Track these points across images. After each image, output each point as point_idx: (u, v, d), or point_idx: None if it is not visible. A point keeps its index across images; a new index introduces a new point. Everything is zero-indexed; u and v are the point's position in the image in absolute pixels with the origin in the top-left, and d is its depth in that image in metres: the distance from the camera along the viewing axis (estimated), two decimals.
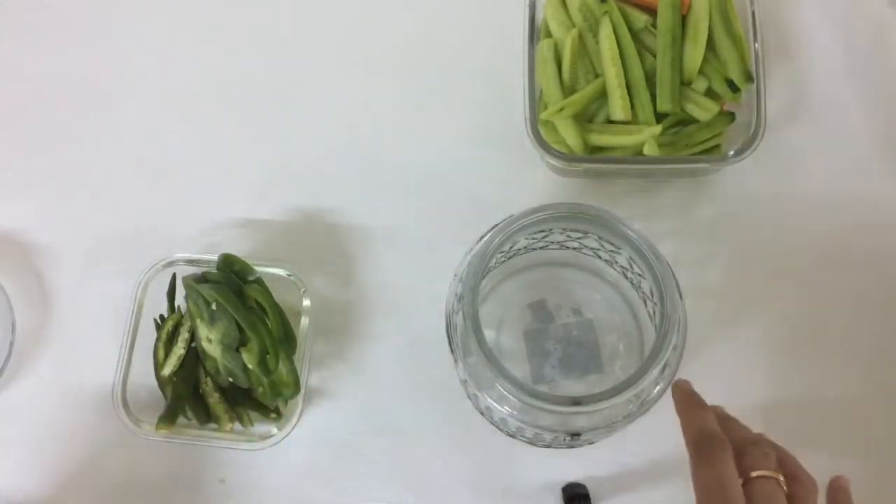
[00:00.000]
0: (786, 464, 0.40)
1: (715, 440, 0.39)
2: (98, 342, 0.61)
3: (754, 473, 0.38)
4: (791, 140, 0.63)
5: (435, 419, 0.58)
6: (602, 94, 0.60)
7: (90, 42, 0.70)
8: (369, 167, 0.65)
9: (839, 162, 0.63)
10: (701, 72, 0.59)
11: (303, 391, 0.56)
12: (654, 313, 0.51)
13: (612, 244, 0.52)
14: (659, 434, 0.51)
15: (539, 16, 0.61)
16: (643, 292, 0.54)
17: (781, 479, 0.38)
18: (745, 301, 0.61)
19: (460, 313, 0.48)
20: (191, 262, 0.60)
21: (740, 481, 0.38)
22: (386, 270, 0.63)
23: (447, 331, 0.51)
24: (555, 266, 0.60)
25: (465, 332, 0.47)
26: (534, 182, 0.64)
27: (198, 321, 0.57)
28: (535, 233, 0.52)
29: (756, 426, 0.52)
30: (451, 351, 0.50)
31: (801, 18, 0.66)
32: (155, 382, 0.58)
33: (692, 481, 0.39)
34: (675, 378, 0.46)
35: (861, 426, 0.57)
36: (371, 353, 0.61)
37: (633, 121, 0.59)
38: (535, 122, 0.58)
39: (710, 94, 0.59)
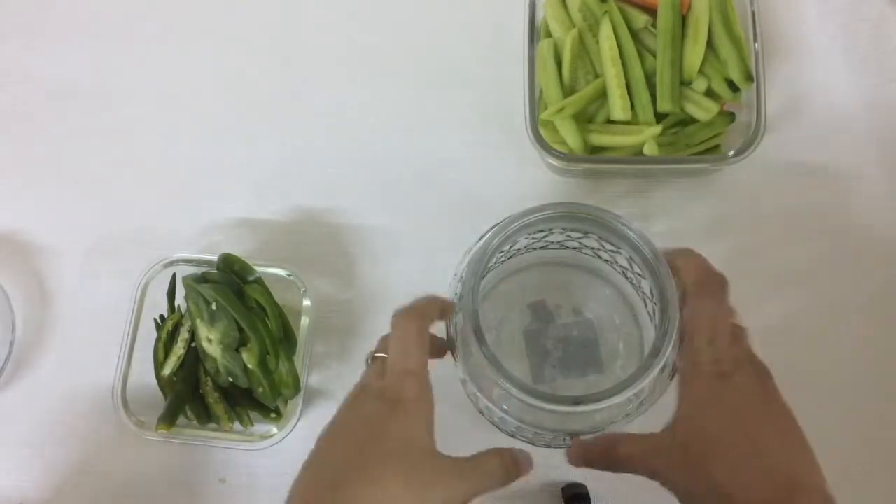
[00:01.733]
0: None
1: (723, 280, 0.45)
2: (98, 342, 0.61)
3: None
4: (791, 140, 0.63)
5: None
6: (602, 94, 0.60)
7: (90, 42, 0.70)
8: (369, 167, 0.65)
9: (839, 162, 0.63)
10: (701, 72, 0.59)
11: (303, 391, 0.56)
12: (654, 313, 0.51)
13: (611, 244, 0.52)
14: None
15: (539, 16, 0.61)
16: (643, 292, 0.54)
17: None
18: (744, 301, 0.60)
19: (460, 313, 0.48)
20: (191, 262, 0.60)
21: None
22: (386, 270, 0.63)
23: (447, 330, 0.51)
24: (555, 266, 0.60)
25: (465, 331, 0.47)
26: (534, 182, 0.64)
27: (198, 321, 0.57)
28: (534, 233, 0.52)
29: None
30: (452, 351, 0.50)
31: (801, 18, 0.66)
32: (155, 382, 0.58)
33: (687, 319, 0.43)
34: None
35: (862, 425, 0.57)
36: None
37: (633, 121, 0.59)
38: (535, 122, 0.58)
39: (710, 94, 0.59)
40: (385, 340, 0.44)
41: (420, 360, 0.42)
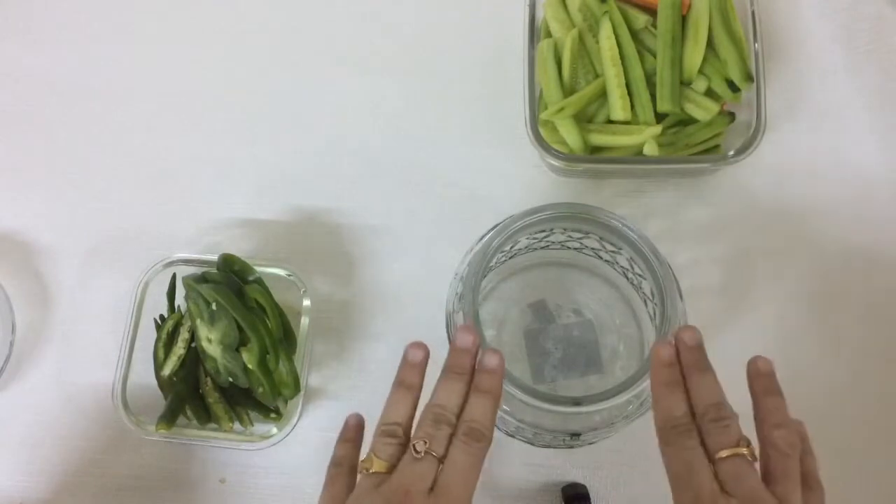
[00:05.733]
0: (764, 432, 0.40)
1: (681, 429, 0.40)
2: (98, 342, 0.61)
3: (723, 453, 0.38)
4: (791, 140, 0.63)
5: None
6: (602, 94, 0.60)
7: (90, 42, 0.70)
8: (369, 167, 0.65)
9: (839, 162, 0.63)
10: (701, 72, 0.59)
11: (303, 391, 0.56)
12: (655, 314, 0.51)
13: (612, 244, 0.52)
14: None
15: (539, 16, 0.61)
16: (643, 293, 0.54)
17: (746, 451, 0.38)
18: (745, 301, 0.61)
19: (461, 313, 0.48)
20: (191, 262, 0.60)
21: (708, 464, 0.38)
22: (386, 270, 0.63)
23: (447, 330, 0.51)
24: (555, 266, 0.60)
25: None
26: (534, 182, 0.64)
27: (198, 321, 0.57)
28: (535, 233, 0.52)
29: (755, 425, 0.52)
30: None
31: (801, 18, 0.66)
32: (155, 382, 0.58)
33: (666, 469, 0.40)
34: (660, 339, 0.44)
35: (862, 424, 0.57)
36: (371, 352, 0.61)
37: (633, 121, 0.59)
38: (535, 122, 0.58)
39: (710, 94, 0.59)
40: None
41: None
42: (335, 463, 0.44)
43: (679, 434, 0.40)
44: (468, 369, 0.43)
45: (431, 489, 0.38)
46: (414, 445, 0.39)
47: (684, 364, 0.42)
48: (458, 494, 0.38)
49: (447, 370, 0.43)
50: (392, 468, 0.39)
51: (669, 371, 0.42)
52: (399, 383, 0.44)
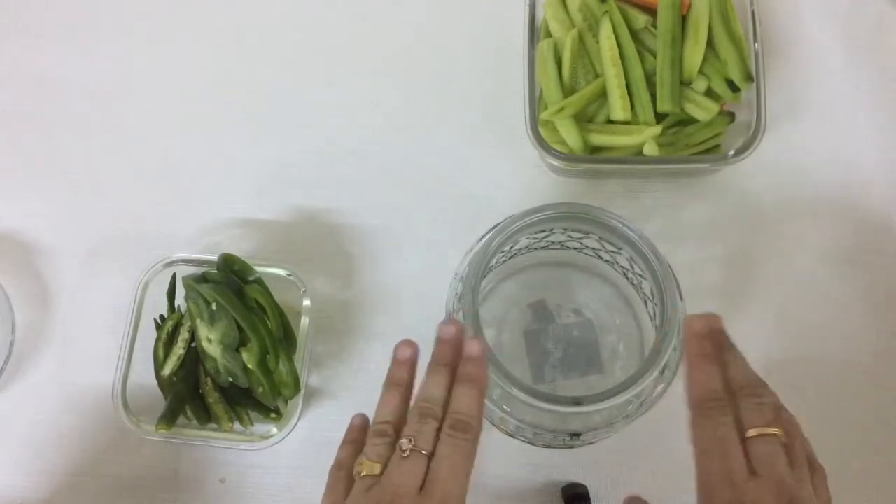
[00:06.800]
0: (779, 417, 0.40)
1: (718, 404, 0.39)
2: (98, 342, 0.61)
3: (753, 432, 0.38)
4: (791, 140, 0.63)
5: None
6: (602, 94, 0.60)
7: (90, 42, 0.70)
8: (369, 167, 0.65)
9: (839, 162, 0.63)
10: (701, 72, 0.59)
11: (303, 391, 0.56)
12: (655, 314, 0.51)
13: (612, 244, 0.52)
14: (659, 434, 0.51)
15: (539, 16, 0.61)
16: (644, 293, 0.54)
17: (779, 431, 0.38)
18: (745, 301, 0.61)
19: (461, 313, 0.48)
20: (191, 262, 0.60)
21: (739, 443, 0.38)
22: (386, 270, 0.63)
23: None
24: (555, 266, 0.60)
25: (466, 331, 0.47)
26: (534, 182, 0.64)
27: (198, 321, 0.57)
28: (535, 233, 0.52)
29: None
30: None
31: (801, 18, 0.66)
32: (155, 382, 0.58)
33: (692, 439, 0.39)
34: (693, 314, 0.44)
35: (861, 424, 0.57)
36: (371, 352, 0.61)
37: (633, 121, 0.59)
38: (535, 122, 0.58)
39: (710, 94, 0.59)
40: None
41: None
42: (337, 466, 0.43)
43: (715, 409, 0.39)
44: (451, 360, 0.42)
45: (422, 487, 0.38)
46: (400, 444, 0.39)
47: (716, 342, 0.42)
48: (448, 490, 0.37)
49: (431, 363, 0.42)
50: (384, 468, 0.39)
51: (705, 343, 0.41)
52: (388, 382, 0.43)
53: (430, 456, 0.38)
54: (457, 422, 0.39)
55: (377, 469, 0.39)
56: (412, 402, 0.42)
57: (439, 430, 0.39)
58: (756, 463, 0.37)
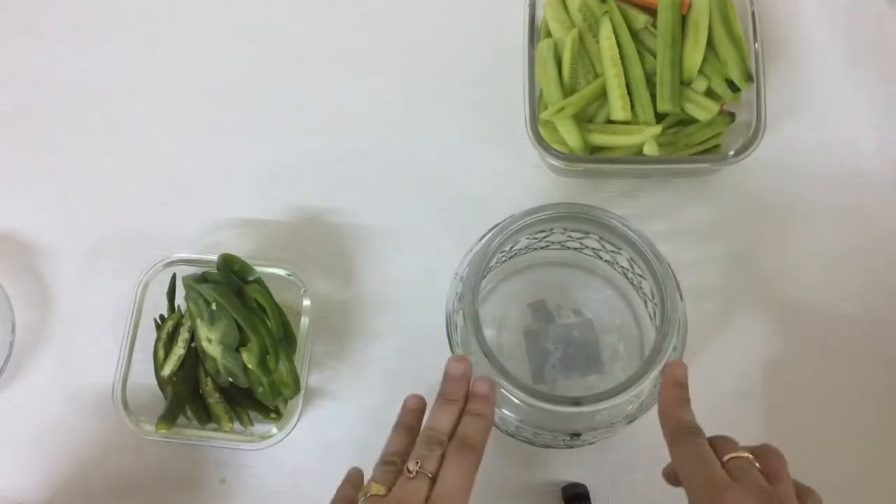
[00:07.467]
0: (753, 449, 0.42)
1: (693, 430, 0.42)
2: (98, 342, 0.61)
3: (727, 456, 0.40)
4: (791, 140, 0.63)
5: None
6: (602, 94, 0.60)
7: (90, 42, 0.70)
8: (369, 167, 0.65)
9: (839, 162, 0.63)
10: (701, 72, 0.59)
11: (303, 391, 0.56)
12: (655, 314, 0.51)
13: (612, 244, 0.52)
14: (659, 434, 0.50)
15: (539, 16, 0.61)
16: (644, 293, 0.54)
17: (751, 457, 0.40)
18: (745, 301, 0.61)
19: (461, 313, 0.48)
20: (191, 262, 0.60)
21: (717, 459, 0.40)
22: (386, 270, 0.63)
23: (447, 330, 0.51)
24: (555, 266, 0.60)
25: (466, 331, 0.47)
26: (534, 182, 0.64)
27: (198, 321, 0.57)
28: (535, 233, 0.52)
29: (755, 425, 0.52)
30: (452, 350, 0.50)
31: (801, 18, 0.66)
32: (155, 382, 0.58)
33: (674, 466, 0.42)
34: (673, 360, 0.46)
35: (861, 424, 0.57)
36: (371, 352, 0.61)
37: (633, 121, 0.59)
38: (535, 122, 0.58)
39: (710, 94, 0.59)
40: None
41: None
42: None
43: (689, 433, 0.42)
44: (461, 396, 0.45)
45: None
46: (407, 466, 0.41)
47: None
48: None
49: (440, 397, 0.45)
50: (390, 491, 0.41)
51: (682, 390, 0.44)
52: (397, 425, 0.46)
53: (435, 479, 0.41)
54: (462, 443, 0.42)
55: (383, 490, 0.41)
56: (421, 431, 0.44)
57: (444, 455, 0.42)
58: (734, 475, 0.39)
